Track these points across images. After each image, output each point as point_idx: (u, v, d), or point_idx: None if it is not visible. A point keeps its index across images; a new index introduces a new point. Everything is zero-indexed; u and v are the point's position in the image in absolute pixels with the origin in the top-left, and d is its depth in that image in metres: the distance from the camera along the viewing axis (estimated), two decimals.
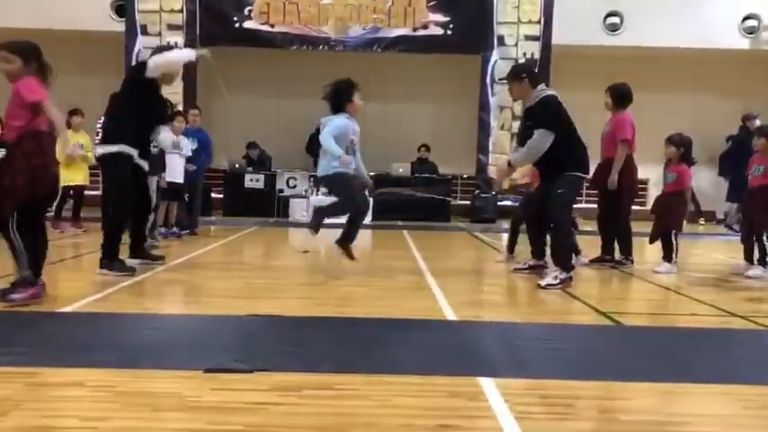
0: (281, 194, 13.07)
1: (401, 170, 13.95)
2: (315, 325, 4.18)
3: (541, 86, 6.12)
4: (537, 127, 5.84)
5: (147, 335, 3.85)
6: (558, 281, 5.69)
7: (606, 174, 7.06)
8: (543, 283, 5.72)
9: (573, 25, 13.83)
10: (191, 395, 2.81)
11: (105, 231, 6.08)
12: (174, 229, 8.91)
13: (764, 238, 6.74)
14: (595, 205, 7.53)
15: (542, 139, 5.80)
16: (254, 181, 13.52)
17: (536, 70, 6.35)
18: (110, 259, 5.84)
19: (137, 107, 5.94)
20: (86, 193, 10.24)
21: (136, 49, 14.01)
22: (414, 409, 2.72)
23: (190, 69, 14.17)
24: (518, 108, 14.49)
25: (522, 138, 6.18)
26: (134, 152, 5.94)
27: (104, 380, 2.98)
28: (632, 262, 7.25)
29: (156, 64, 5.88)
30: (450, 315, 4.57)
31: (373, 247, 9.72)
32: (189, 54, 6.40)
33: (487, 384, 3.01)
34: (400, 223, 12.49)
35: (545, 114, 5.87)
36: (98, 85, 14.07)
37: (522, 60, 14.26)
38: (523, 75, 6.13)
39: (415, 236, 10.26)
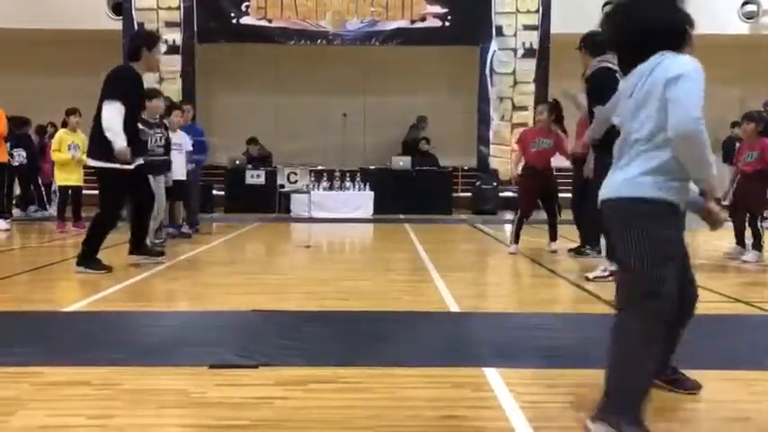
0: (281, 190, 13.06)
1: (401, 163, 13.95)
2: (318, 319, 4.18)
3: (601, 57, 5.82)
4: (592, 100, 5.72)
5: (151, 332, 3.86)
6: (607, 273, 5.52)
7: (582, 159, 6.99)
8: (591, 275, 5.60)
9: (571, 14, 13.76)
10: (196, 391, 2.81)
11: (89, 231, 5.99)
12: (183, 229, 8.78)
13: (759, 222, 6.82)
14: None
15: (600, 115, 5.57)
16: (254, 177, 13.52)
17: (598, 38, 5.97)
18: (88, 258, 5.79)
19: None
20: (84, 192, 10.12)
21: None
22: (419, 401, 2.72)
23: (187, 65, 14.20)
24: (518, 99, 14.50)
25: (588, 108, 6.02)
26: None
27: (110, 378, 2.98)
28: (599, 252, 6.71)
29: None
30: (453, 307, 4.58)
31: (375, 241, 9.73)
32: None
33: (492, 375, 3.02)
34: (402, 216, 12.48)
35: (595, 89, 5.71)
36: (95, 85, 14.09)
37: (520, 50, 14.24)
38: (581, 44, 6.06)
39: (417, 228, 10.25)
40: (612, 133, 3.29)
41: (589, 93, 5.83)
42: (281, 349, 3.42)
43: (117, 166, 5.69)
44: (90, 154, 5.93)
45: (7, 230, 9.51)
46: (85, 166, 8.36)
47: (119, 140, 5.65)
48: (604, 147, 5.32)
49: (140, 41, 5.95)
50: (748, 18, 14.52)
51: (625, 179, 2.45)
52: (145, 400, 2.71)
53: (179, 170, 8.52)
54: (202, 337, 3.76)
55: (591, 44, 5.92)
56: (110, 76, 5.85)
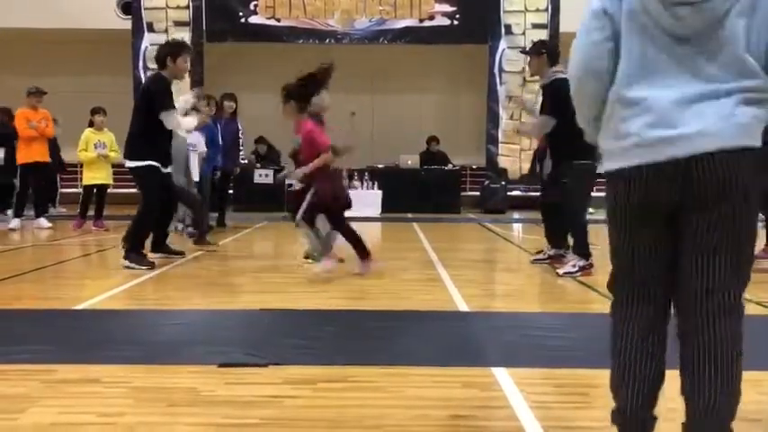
0: (290, 189, 13.07)
1: (410, 162, 13.93)
2: (328, 318, 4.18)
3: (557, 68, 6.03)
4: (543, 109, 5.98)
5: (160, 330, 3.88)
6: (576, 268, 5.68)
7: None
8: (561, 271, 5.71)
9: (580, 12, 13.62)
10: (206, 390, 2.82)
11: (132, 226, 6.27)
12: (189, 229, 8.78)
13: None
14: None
15: (542, 124, 5.98)
16: (263, 176, 13.53)
17: (559, 50, 6.26)
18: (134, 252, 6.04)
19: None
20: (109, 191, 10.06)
21: (143, 47, 14.04)
22: (428, 400, 2.72)
23: (197, 66, 14.23)
24: (527, 97, 14.44)
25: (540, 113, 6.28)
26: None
27: (120, 375, 3.00)
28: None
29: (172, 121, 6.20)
30: (462, 306, 4.57)
31: (384, 241, 9.73)
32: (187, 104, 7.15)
33: (501, 374, 3.01)
34: (410, 215, 12.48)
35: (551, 99, 5.87)
36: (105, 84, 14.15)
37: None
38: (543, 50, 6.20)
39: (426, 228, 10.25)
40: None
41: (546, 102, 5.99)
42: (291, 348, 3.43)
43: (152, 163, 6.06)
44: (127, 156, 6.23)
45: (49, 228, 9.54)
46: (121, 168, 8.31)
47: (188, 123, 6.57)
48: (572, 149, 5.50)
49: (165, 51, 6.27)
50: None
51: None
52: (155, 398, 2.72)
53: (194, 171, 8.48)
54: (212, 336, 3.78)
55: (551, 51, 6.13)
56: (153, 88, 6.16)
